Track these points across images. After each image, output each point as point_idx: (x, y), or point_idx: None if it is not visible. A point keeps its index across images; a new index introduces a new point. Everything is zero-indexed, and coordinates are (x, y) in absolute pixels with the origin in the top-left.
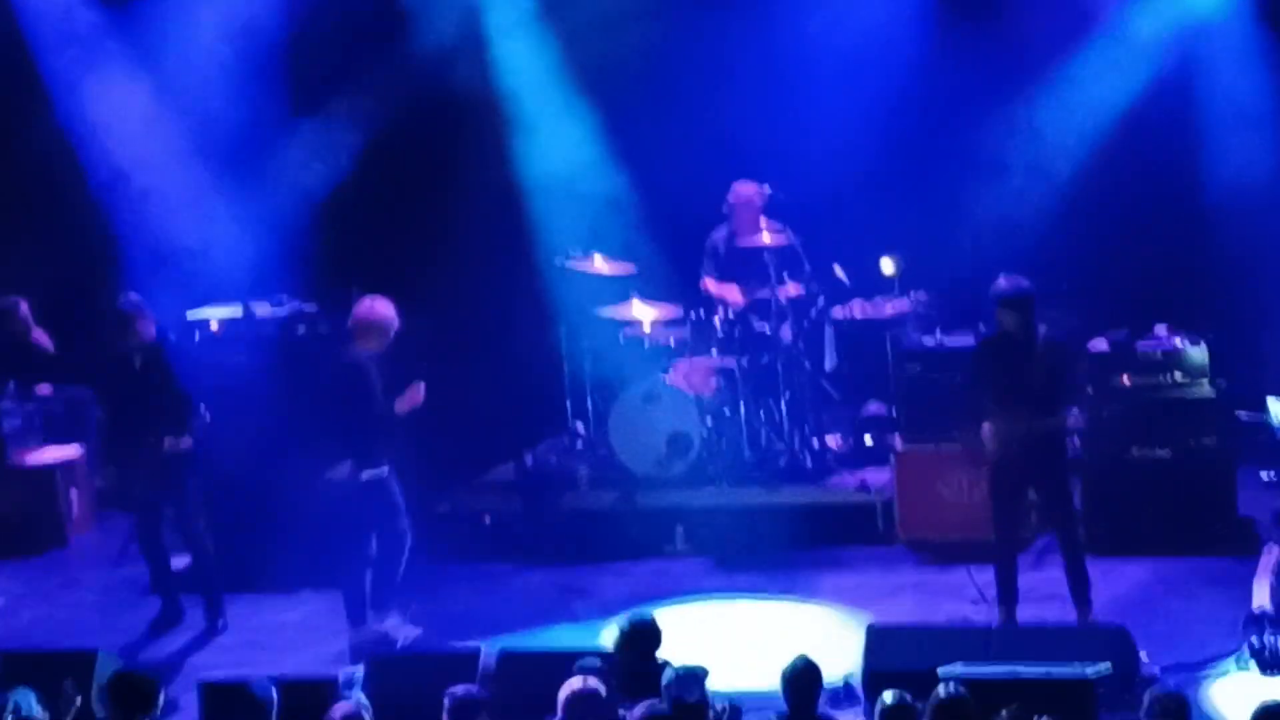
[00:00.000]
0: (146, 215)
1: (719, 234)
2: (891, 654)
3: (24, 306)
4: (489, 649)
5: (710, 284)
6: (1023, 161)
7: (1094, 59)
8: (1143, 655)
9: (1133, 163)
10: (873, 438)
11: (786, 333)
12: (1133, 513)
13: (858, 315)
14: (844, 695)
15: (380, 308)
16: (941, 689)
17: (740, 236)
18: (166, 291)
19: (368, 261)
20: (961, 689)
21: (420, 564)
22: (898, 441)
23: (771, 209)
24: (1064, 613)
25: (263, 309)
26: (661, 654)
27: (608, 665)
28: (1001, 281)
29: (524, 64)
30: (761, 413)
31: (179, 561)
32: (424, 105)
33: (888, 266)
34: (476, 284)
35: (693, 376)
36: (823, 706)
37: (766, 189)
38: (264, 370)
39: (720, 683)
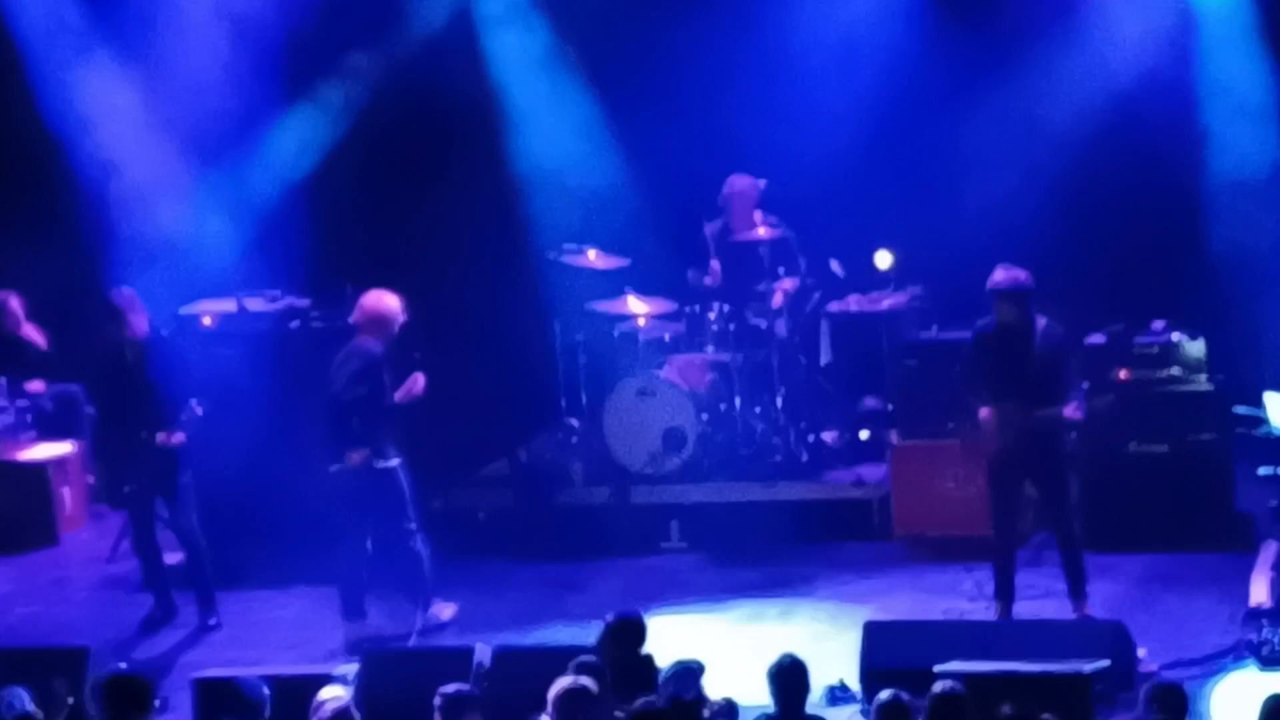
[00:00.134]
0: (138, 209)
1: (713, 227)
2: (889, 650)
3: (15, 301)
4: (483, 646)
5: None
6: (1019, 155)
7: (1089, 51)
8: (1140, 651)
9: (1130, 156)
10: (869, 433)
11: (782, 327)
12: (1130, 508)
13: (853, 309)
14: (841, 692)
15: (388, 300)
16: (939, 686)
17: (735, 230)
18: (159, 286)
19: (360, 255)
20: (959, 685)
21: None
22: (894, 436)
23: (767, 203)
24: (1061, 609)
25: (255, 304)
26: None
27: (599, 663)
28: (999, 273)
29: (517, 56)
30: (757, 408)
31: (171, 558)
32: (417, 98)
33: (883, 260)
34: (470, 278)
35: (688, 371)
36: (818, 704)
37: (762, 183)
38: (257, 365)
39: (716, 688)
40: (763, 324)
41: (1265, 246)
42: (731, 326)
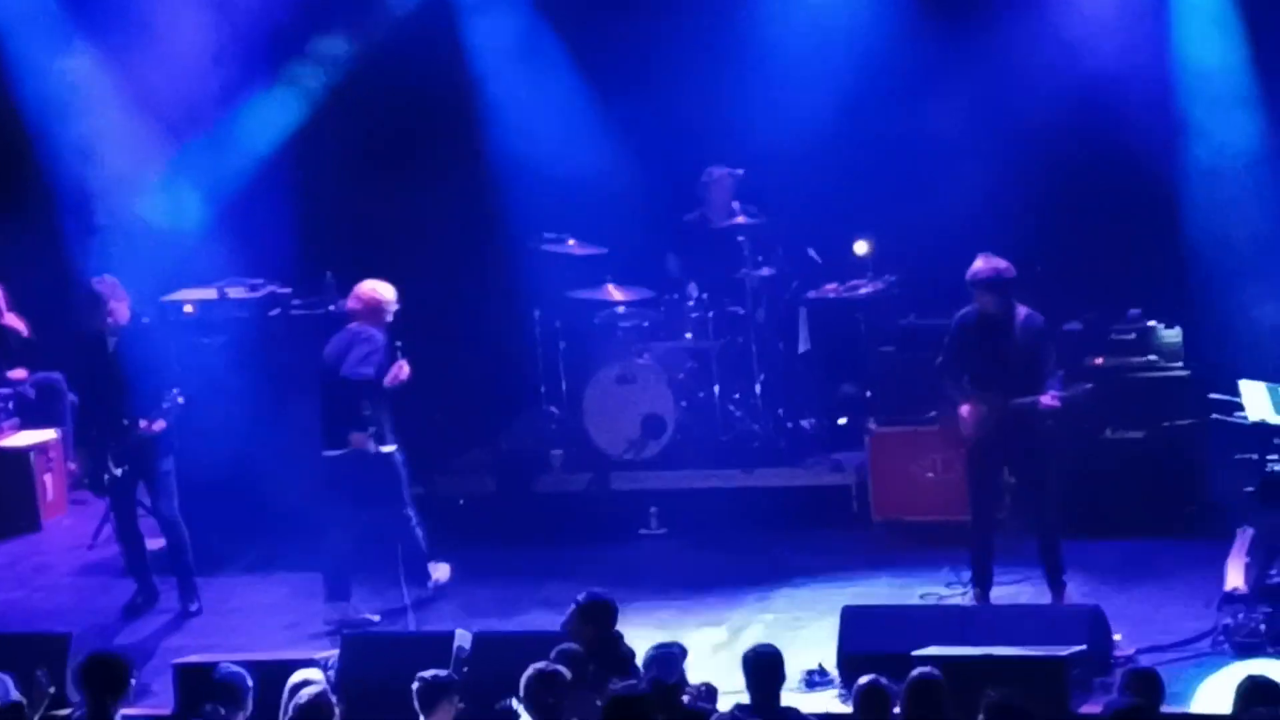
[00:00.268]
0: (118, 196)
1: (692, 216)
2: (866, 636)
3: None
4: (463, 631)
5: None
6: (995, 143)
7: (1065, 39)
8: (1116, 636)
9: (1106, 144)
10: (847, 419)
11: (760, 315)
12: (1106, 494)
13: (831, 297)
14: (819, 677)
15: (384, 289)
16: (916, 671)
17: (713, 219)
18: (140, 274)
19: (341, 244)
20: (936, 670)
21: (392, 547)
22: (872, 423)
23: (744, 192)
24: (1038, 594)
25: (237, 291)
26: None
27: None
28: (979, 264)
29: (497, 44)
30: (736, 395)
31: (153, 544)
32: (397, 86)
33: (861, 248)
34: (450, 266)
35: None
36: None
37: (740, 171)
38: (239, 353)
39: (694, 674)
40: (741, 311)
41: (1241, 234)
42: (710, 314)
